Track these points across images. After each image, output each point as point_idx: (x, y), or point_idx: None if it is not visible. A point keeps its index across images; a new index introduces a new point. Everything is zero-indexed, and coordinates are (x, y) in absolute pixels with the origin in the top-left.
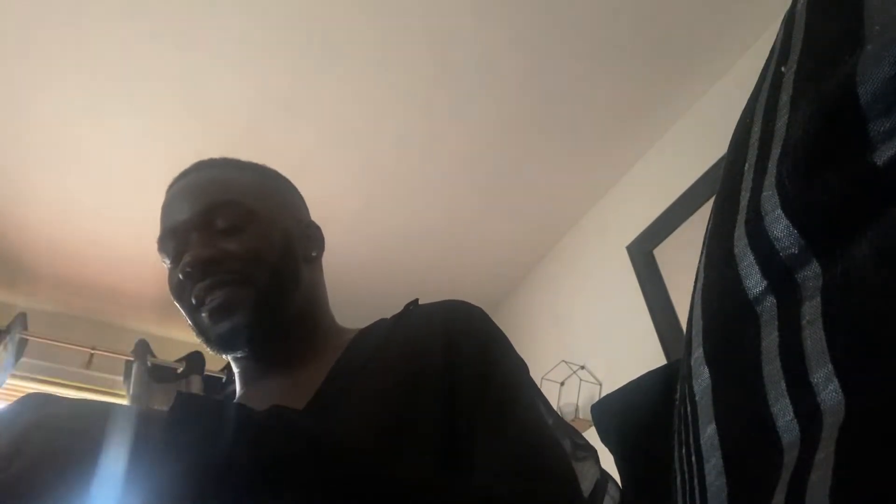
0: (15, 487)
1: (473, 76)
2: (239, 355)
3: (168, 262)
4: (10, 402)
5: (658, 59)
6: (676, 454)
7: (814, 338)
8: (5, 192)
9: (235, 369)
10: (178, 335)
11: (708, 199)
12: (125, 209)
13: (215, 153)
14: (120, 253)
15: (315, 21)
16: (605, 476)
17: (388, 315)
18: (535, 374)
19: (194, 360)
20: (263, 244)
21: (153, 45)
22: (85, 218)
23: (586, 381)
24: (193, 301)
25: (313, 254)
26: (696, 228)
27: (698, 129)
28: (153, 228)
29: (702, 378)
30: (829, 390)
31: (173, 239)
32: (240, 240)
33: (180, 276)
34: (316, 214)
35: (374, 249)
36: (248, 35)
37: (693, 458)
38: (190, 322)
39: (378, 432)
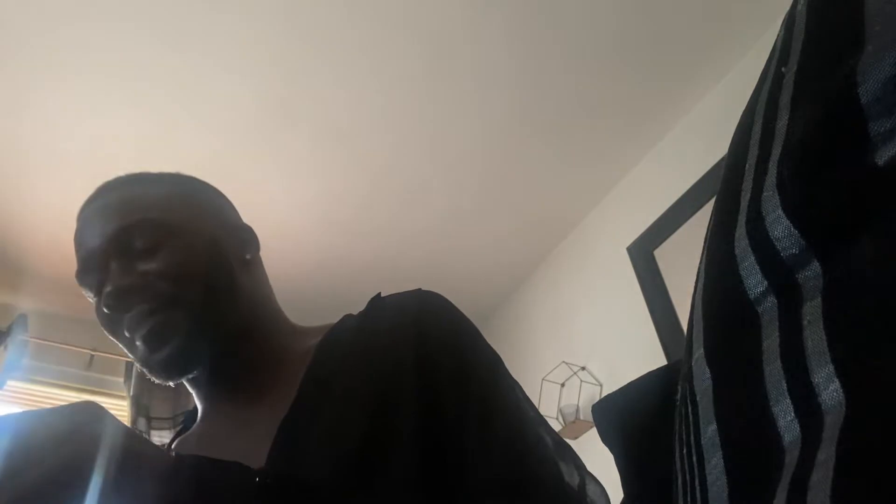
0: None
1: (472, 77)
2: (189, 378)
3: (91, 295)
4: (61, 406)
5: (658, 60)
6: (677, 454)
7: (814, 338)
8: (5, 193)
9: (192, 391)
10: None
11: (709, 201)
12: None
13: (214, 154)
14: None
15: (312, 23)
16: (583, 474)
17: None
18: (536, 375)
19: None
20: (188, 257)
21: (153, 47)
22: None
23: (587, 382)
24: (126, 333)
25: (247, 256)
26: (696, 229)
27: (699, 131)
28: None
29: (703, 378)
30: (829, 391)
31: (91, 271)
32: (161, 258)
33: (105, 309)
34: (313, 216)
35: (374, 251)
36: (245, 37)
37: (694, 459)
38: (130, 355)
39: (355, 452)
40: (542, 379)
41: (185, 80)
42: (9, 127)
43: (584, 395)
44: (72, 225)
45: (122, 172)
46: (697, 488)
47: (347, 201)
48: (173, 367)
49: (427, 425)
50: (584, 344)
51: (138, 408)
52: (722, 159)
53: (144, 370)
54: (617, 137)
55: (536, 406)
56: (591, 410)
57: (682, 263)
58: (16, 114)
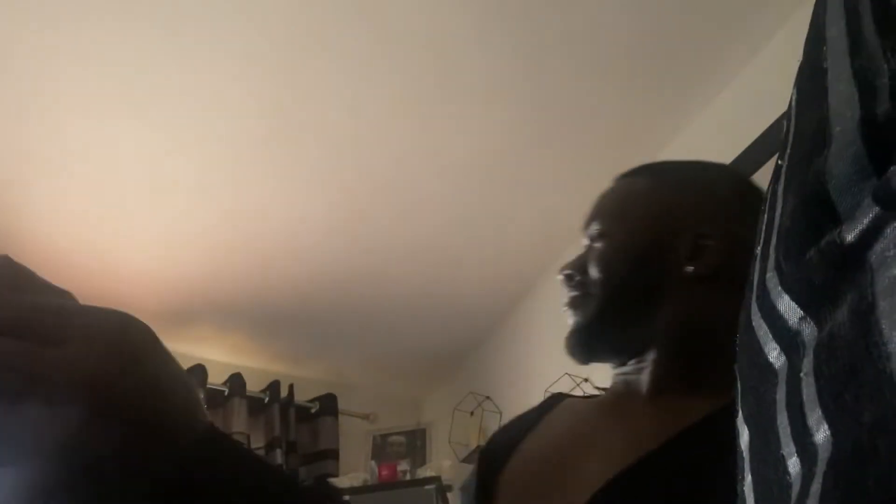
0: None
1: (476, 85)
2: (592, 363)
3: None
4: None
5: (660, 71)
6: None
7: (808, 388)
8: (4, 201)
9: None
10: (183, 349)
11: None
12: (126, 220)
13: (213, 162)
14: (121, 265)
15: (316, 32)
16: None
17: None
18: (539, 386)
19: (235, 382)
20: (615, 254)
21: (155, 54)
22: (86, 229)
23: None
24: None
25: (688, 269)
26: None
27: (699, 143)
28: (155, 240)
29: (744, 436)
30: (820, 431)
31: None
32: (599, 247)
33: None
34: (316, 228)
35: (376, 263)
36: (249, 45)
37: None
38: None
39: None
40: (546, 390)
41: (190, 89)
42: (9, 133)
43: None
44: (72, 235)
45: (123, 183)
46: None
47: (351, 213)
48: (570, 343)
49: None
50: None
51: None
52: None
53: None
54: (618, 147)
55: None
56: None
57: None
58: (16, 121)
